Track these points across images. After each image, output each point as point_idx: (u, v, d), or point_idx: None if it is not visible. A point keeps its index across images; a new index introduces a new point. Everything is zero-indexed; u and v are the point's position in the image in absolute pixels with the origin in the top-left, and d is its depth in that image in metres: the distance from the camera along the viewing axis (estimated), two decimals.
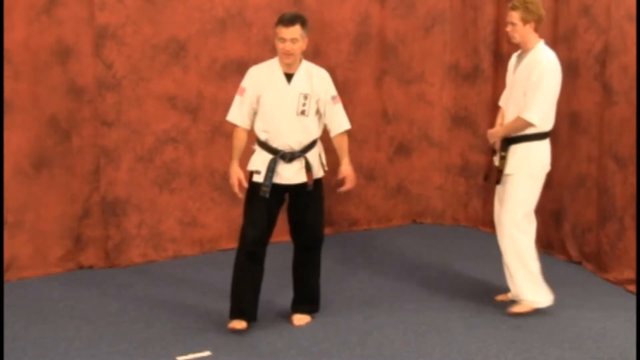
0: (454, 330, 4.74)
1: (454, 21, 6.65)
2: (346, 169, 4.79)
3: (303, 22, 4.50)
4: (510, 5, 4.85)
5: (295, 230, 4.78)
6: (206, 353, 4.45)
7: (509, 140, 4.89)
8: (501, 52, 6.45)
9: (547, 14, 5.92)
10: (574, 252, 5.87)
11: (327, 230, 6.53)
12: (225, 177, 4.74)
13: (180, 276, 5.61)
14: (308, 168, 4.63)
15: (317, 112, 4.64)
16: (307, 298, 4.89)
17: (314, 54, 6.25)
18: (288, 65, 4.56)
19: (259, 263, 4.70)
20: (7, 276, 5.43)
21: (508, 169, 4.89)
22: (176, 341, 4.58)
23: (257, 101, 4.58)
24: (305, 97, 4.57)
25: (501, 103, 5.15)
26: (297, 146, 4.59)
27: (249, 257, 4.65)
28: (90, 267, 5.74)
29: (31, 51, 5.35)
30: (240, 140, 4.65)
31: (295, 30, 4.47)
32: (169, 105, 5.80)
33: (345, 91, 6.43)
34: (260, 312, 4.84)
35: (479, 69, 6.60)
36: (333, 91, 4.71)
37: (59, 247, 5.65)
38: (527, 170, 4.86)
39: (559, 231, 5.99)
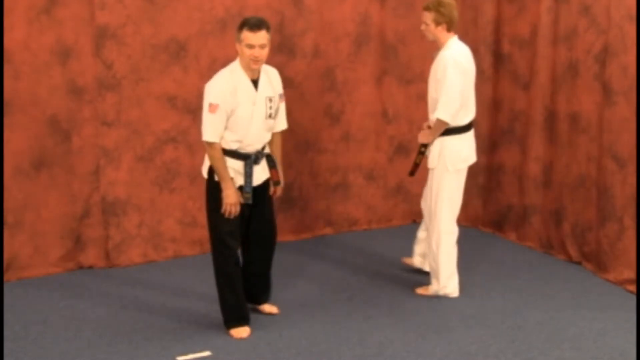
0: (454, 330, 4.74)
1: None
2: (281, 175, 4.78)
3: (268, 27, 4.45)
4: (424, 5, 5.07)
5: (256, 228, 4.75)
6: (206, 353, 4.45)
7: None
8: (501, 52, 6.45)
9: (547, 13, 5.95)
10: (573, 252, 5.87)
11: (327, 230, 6.58)
12: None
13: (181, 276, 5.61)
14: (273, 164, 4.68)
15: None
16: (268, 288, 4.96)
17: (313, 54, 6.26)
18: (253, 71, 4.50)
19: (240, 268, 4.75)
20: (7, 276, 5.43)
21: (430, 164, 5.16)
22: (176, 341, 4.59)
23: (229, 115, 4.47)
24: (270, 100, 4.57)
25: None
26: (261, 147, 4.63)
27: (236, 265, 4.69)
28: (90, 267, 5.74)
29: (31, 51, 5.35)
30: (222, 159, 4.49)
31: (263, 36, 4.41)
32: (169, 105, 5.80)
33: (345, 91, 6.44)
34: (259, 312, 4.85)
35: (479, 69, 6.55)
36: (282, 89, 4.71)
37: (59, 247, 5.65)
38: (444, 164, 5.10)
39: (558, 231, 5.99)
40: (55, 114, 5.50)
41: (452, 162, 5.09)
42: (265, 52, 4.45)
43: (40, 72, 5.40)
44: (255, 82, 4.53)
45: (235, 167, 4.54)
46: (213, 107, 4.42)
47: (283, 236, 6.37)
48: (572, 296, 5.26)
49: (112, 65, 5.58)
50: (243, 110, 4.47)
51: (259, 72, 4.55)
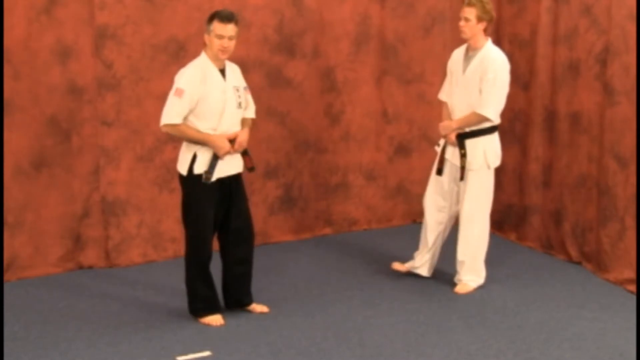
0: (454, 330, 4.74)
1: (454, 21, 6.60)
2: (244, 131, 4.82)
3: (237, 21, 4.64)
4: (466, 1, 5.07)
5: (236, 226, 4.82)
6: (206, 353, 4.45)
7: (464, 136, 5.14)
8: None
9: (548, 14, 5.95)
10: (574, 252, 5.86)
11: (327, 230, 6.58)
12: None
13: (181, 276, 5.58)
14: (245, 152, 4.78)
15: None
16: (250, 289, 4.99)
17: (313, 54, 6.26)
18: (220, 61, 4.65)
19: (210, 261, 4.88)
20: (7, 276, 5.43)
21: (474, 165, 5.15)
22: (176, 341, 4.58)
23: (196, 103, 4.58)
24: (238, 90, 4.73)
25: (443, 98, 5.37)
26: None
27: (209, 258, 4.80)
28: (90, 267, 5.74)
29: (31, 51, 5.35)
30: (189, 127, 4.59)
31: (232, 28, 4.59)
32: None
33: (345, 91, 6.44)
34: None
35: None
36: (245, 82, 4.85)
37: (59, 247, 5.65)
38: (490, 163, 5.19)
39: (559, 231, 5.98)
40: (55, 114, 5.50)
41: (493, 160, 5.20)
42: (232, 44, 4.62)
43: (40, 72, 5.40)
44: (222, 72, 4.68)
45: (209, 158, 4.64)
46: (179, 92, 4.56)
47: (283, 236, 6.38)
48: (572, 296, 5.25)
49: (112, 65, 5.58)
50: (214, 99, 4.60)
51: (224, 63, 4.70)
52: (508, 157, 6.45)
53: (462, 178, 5.19)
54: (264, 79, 6.07)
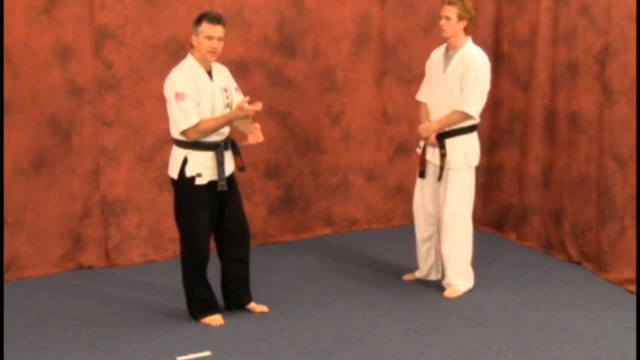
0: (454, 330, 4.74)
1: None
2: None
3: (225, 23, 4.61)
4: (447, 0, 5.05)
5: (229, 227, 4.81)
6: (206, 353, 4.45)
7: (444, 136, 5.10)
8: (501, 52, 6.45)
9: (547, 14, 5.95)
10: (574, 252, 5.87)
11: (327, 230, 6.58)
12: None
13: (180, 276, 5.59)
14: (237, 152, 4.76)
15: None
16: (248, 288, 4.99)
17: (314, 54, 6.26)
18: (207, 63, 4.62)
19: (207, 262, 4.88)
20: (7, 276, 5.43)
21: (454, 164, 5.09)
22: (176, 341, 4.59)
23: (196, 102, 4.57)
24: (226, 90, 4.71)
25: (422, 98, 5.34)
26: (227, 132, 4.74)
27: (205, 259, 4.80)
28: (90, 267, 5.74)
29: (31, 51, 5.35)
30: (208, 119, 4.55)
31: (221, 29, 4.57)
32: None
33: (345, 91, 6.44)
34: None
35: None
36: (235, 83, 4.82)
37: (59, 247, 5.65)
38: (470, 162, 5.12)
39: (559, 231, 5.98)
40: (55, 114, 5.50)
41: (473, 159, 5.15)
42: (221, 46, 4.59)
43: (40, 72, 5.40)
44: (209, 74, 4.65)
45: (204, 161, 4.61)
46: (180, 96, 4.51)
47: (283, 236, 6.38)
48: (572, 296, 5.26)
49: (112, 65, 5.58)
50: (204, 100, 4.59)
51: (210, 65, 4.67)
52: (508, 157, 6.46)
53: (440, 178, 5.15)
54: (264, 79, 6.08)
